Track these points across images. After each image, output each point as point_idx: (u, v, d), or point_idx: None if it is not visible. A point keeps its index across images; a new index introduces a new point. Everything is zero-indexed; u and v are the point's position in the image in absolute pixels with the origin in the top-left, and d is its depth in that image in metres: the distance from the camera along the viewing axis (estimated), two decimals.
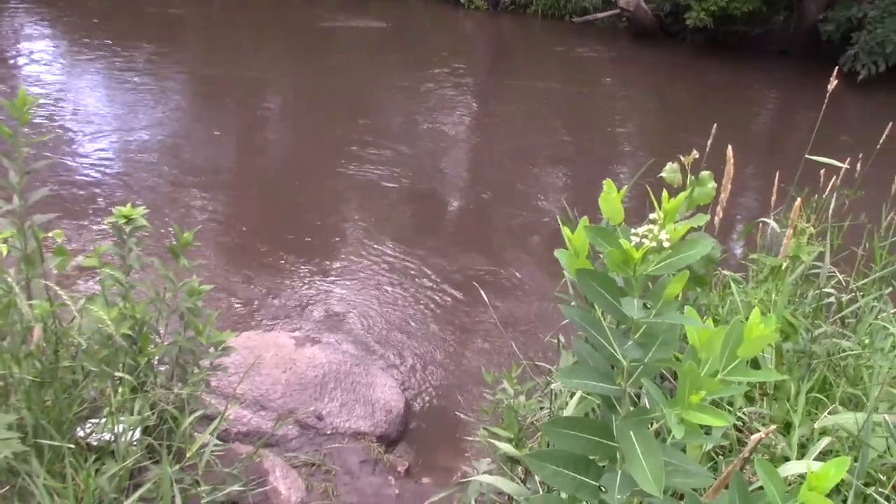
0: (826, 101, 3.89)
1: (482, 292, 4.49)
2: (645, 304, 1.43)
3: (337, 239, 6.57)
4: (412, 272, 6.09)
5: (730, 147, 3.05)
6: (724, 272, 3.77)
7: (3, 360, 2.58)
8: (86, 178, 7.20)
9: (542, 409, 3.09)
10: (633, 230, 1.45)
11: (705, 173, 2.63)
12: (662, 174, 2.70)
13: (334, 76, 11.64)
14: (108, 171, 7.50)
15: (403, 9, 16.19)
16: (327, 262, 6.13)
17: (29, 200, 2.78)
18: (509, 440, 2.89)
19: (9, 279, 2.65)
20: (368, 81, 11.58)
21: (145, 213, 2.91)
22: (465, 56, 14.19)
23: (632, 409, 1.48)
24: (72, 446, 2.56)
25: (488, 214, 7.60)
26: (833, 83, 3.94)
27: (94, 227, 6.18)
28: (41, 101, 2.77)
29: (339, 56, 13.02)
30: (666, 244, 1.41)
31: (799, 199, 3.25)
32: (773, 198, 4.06)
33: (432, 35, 15.67)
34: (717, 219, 3.15)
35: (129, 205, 2.91)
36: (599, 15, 16.51)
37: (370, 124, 9.69)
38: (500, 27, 16.90)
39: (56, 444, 2.53)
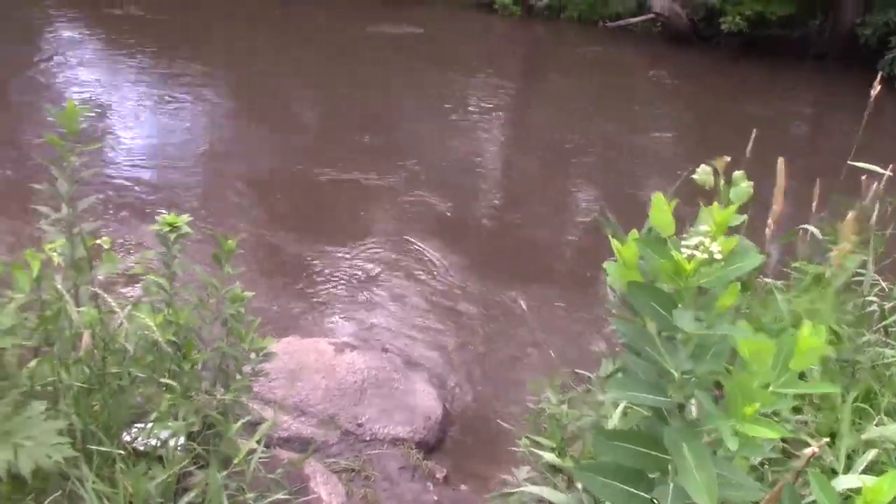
0: (870, 106, 3.84)
1: (521, 301, 4.48)
2: (696, 317, 1.43)
3: (375, 248, 6.60)
4: (450, 281, 6.09)
5: (780, 160, 3.03)
6: (766, 279, 3.74)
7: (53, 367, 2.63)
8: (128, 185, 7.30)
9: (584, 417, 3.08)
10: (683, 242, 1.45)
11: (738, 173, 2.60)
12: (694, 176, 2.69)
13: (371, 82, 11.69)
14: (149, 177, 7.62)
15: (439, 15, 16.22)
16: (366, 271, 6.16)
17: (77, 208, 2.83)
18: (552, 449, 2.89)
19: (58, 286, 2.70)
20: (404, 87, 11.63)
21: (188, 221, 2.95)
22: (500, 61, 14.20)
23: (683, 420, 1.48)
24: (121, 451, 2.60)
25: (524, 225, 7.58)
26: (876, 89, 3.90)
27: (137, 233, 6.27)
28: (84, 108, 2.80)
29: (376, 62, 13.07)
30: (718, 256, 1.41)
31: (852, 213, 3.22)
32: (814, 203, 4.01)
33: (467, 40, 15.70)
34: (768, 231, 3.13)
35: (172, 212, 2.95)
36: (633, 20, 16.42)
37: (406, 131, 9.74)
38: (534, 32, 16.89)
39: (105, 449, 2.57)
